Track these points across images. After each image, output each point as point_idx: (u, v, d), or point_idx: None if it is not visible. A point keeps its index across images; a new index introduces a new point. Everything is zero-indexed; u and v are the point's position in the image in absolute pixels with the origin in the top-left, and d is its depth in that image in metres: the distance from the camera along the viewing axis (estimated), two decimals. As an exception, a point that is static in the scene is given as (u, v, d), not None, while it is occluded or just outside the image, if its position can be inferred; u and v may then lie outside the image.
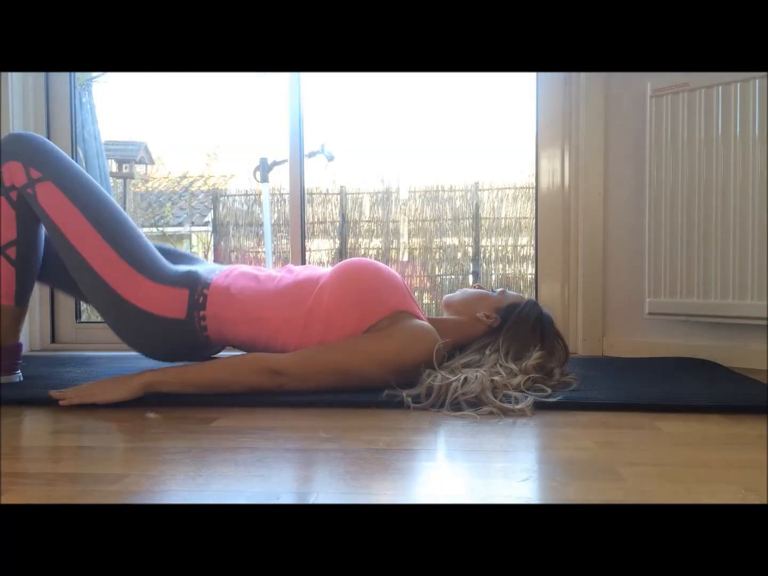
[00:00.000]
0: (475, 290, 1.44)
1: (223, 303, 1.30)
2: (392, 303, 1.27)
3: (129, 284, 1.28)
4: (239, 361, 1.22)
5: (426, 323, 1.28)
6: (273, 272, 1.39)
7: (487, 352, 1.30)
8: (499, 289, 1.43)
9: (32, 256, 1.38)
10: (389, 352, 1.22)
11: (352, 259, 1.36)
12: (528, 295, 2.43)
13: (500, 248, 4.52)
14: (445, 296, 1.46)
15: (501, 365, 1.25)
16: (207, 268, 1.41)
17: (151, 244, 1.37)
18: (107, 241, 1.30)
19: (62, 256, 1.33)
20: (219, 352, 1.52)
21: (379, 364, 1.22)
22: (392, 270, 1.36)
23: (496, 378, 1.19)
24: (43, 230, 1.40)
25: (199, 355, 1.41)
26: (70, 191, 1.31)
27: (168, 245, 1.56)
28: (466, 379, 1.17)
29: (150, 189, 6.83)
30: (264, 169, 4.37)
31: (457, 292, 1.46)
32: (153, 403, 1.18)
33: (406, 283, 1.35)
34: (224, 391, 1.21)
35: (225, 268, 1.40)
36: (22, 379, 1.42)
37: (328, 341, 1.26)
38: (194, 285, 1.32)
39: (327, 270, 1.35)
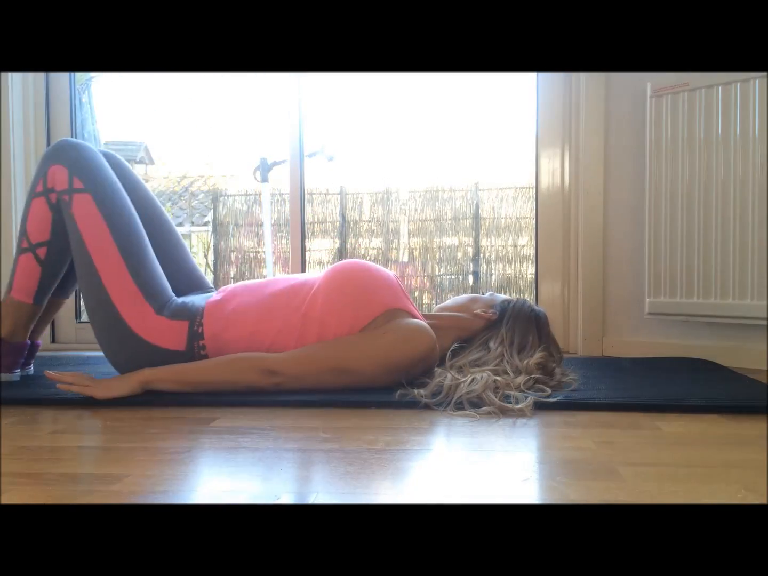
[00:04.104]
0: (465, 295, 1.48)
1: (219, 325, 1.29)
2: (385, 301, 1.28)
3: (136, 312, 1.27)
4: (236, 360, 1.22)
5: (421, 322, 1.28)
6: (263, 281, 1.38)
7: (492, 345, 1.31)
8: (488, 293, 1.46)
9: (60, 259, 1.38)
10: (382, 349, 1.23)
11: (344, 261, 1.37)
12: (528, 295, 2.44)
13: (500, 248, 4.51)
14: (437, 306, 1.49)
15: (507, 361, 1.26)
16: (205, 296, 1.40)
17: (161, 272, 1.35)
18: (128, 267, 1.28)
19: (77, 268, 1.33)
20: None
21: (373, 361, 1.22)
22: (385, 269, 1.37)
23: (499, 378, 1.19)
24: None
25: None
26: (106, 210, 1.30)
27: (195, 271, 1.53)
28: (473, 379, 1.18)
29: (150, 189, 6.81)
30: (264, 169, 4.37)
31: (448, 300, 1.49)
32: (153, 402, 1.19)
33: (404, 283, 1.36)
34: (220, 390, 1.22)
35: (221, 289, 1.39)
36: (19, 378, 1.42)
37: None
38: (193, 316, 1.30)
39: (320, 274, 1.36)
